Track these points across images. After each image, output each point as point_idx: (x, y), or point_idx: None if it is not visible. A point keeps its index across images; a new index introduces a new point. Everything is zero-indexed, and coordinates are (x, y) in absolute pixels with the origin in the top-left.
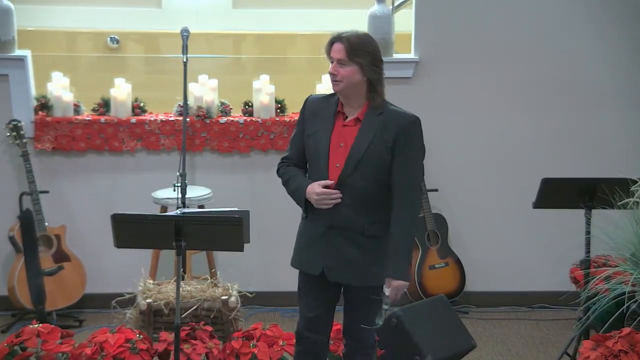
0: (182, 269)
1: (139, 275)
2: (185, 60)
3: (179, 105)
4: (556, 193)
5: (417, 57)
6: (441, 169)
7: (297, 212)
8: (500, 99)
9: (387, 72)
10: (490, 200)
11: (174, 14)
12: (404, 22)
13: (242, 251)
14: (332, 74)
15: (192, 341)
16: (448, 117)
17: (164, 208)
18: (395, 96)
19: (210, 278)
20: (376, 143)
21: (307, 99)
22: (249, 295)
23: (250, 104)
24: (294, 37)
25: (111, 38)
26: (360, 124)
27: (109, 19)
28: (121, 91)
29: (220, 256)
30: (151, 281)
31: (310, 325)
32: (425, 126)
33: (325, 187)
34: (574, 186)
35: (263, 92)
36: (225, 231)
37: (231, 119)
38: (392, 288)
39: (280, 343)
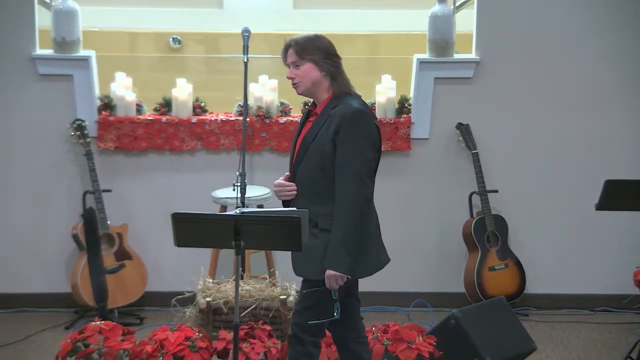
0: (241, 268)
1: (198, 274)
2: (245, 60)
3: (239, 105)
4: (619, 195)
5: (477, 57)
6: (501, 170)
7: None
8: (561, 99)
9: (448, 72)
10: (551, 201)
11: (234, 14)
12: (465, 22)
13: (301, 251)
14: (290, 78)
15: (251, 340)
16: (508, 118)
17: (224, 207)
18: (455, 96)
19: (269, 277)
20: (321, 135)
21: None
22: None
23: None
24: (352, 37)
25: (173, 38)
26: (316, 117)
27: (171, 20)
28: (182, 91)
29: (279, 256)
30: (210, 280)
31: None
32: (485, 126)
33: (287, 179)
34: (637, 187)
35: None
36: (284, 231)
37: (291, 118)
38: (325, 278)
39: None
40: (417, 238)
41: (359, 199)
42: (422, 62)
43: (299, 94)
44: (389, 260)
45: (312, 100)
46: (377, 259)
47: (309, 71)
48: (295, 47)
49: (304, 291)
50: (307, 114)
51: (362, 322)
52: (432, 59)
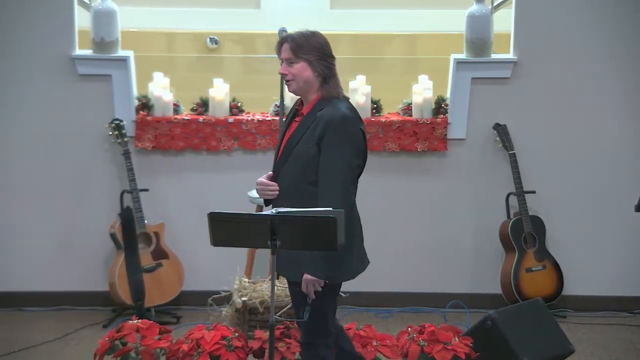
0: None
1: (234, 274)
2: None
3: (276, 105)
4: None
5: (515, 57)
6: (539, 171)
7: (390, 213)
8: (599, 100)
9: (485, 73)
10: (589, 202)
11: (271, 14)
12: (503, 22)
13: (336, 251)
14: (283, 74)
15: (287, 340)
16: (546, 118)
17: (260, 207)
18: (492, 96)
19: None
20: (306, 138)
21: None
22: (343, 295)
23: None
24: (390, 37)
25: (210, 39)
26: (302, 119)
27: (209, 20)
28: (219, 91)
29: None
30: (246, 280)
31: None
32: (522, 126)
33: (270, 179)
34: None
35: (359, 92)
36: (320, 231)
37: None
38: (302, 281)
39: (374, 343)
40: (453, 239)
41: (341, 206)
42: (459, 62)
43: (290, 92)
44: (369, 262)
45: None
46: (357, 265)
47: (302, 71)
48: (291, 43)
49: (291, 290)
50: (294, 113)
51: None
52: (470, 59)
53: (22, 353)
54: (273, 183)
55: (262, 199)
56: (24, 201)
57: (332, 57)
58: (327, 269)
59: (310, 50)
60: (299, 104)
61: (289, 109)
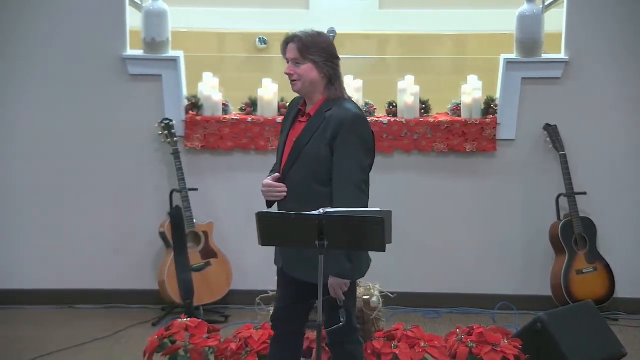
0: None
1: None
2: None
3: None
4: None
5: (567, 57)
6: (590, 172)
7: (438, 213)
8: None
9: (536, 73)
10: None
11: (321, 14)
12: (554, 21)
13: (384, 251)
14: (288, 74)
15: None
16: (597, 118)
17: None
18: (543, 97)
19: None
20: (316, 138)
21: (291, 100)
22: (391, 295)
23: (394, 104)
24: (439, 37)
25: (260, 39)
26: (309, 119)
27: (258, 20)
28: (268, 91)
29: None
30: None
31: (279, 314)
32: (573, 127)
33: (277, 180)
34: None
35: (408, 92)
36: (367, 231)
37: (375, 119)
38: (329, 285)
39: (422, 344)
40: (502, 240)
41: (353, 206)
42: (509, 63)
43: (295, 91)
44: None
45: (296, 97)
46: (367, 261)
47: (309, 71)
48: (298, 44)
49: (324, 298)
50: (296, 113)
51: (356, 321)
52: (520, 59)
53: (73, 350)
54: (280, 184)
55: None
56: (75, 200)
57: (338, 58)
58: (350, 268)
59: (317, 52)
60: (302, 104)
61: (290, 107)
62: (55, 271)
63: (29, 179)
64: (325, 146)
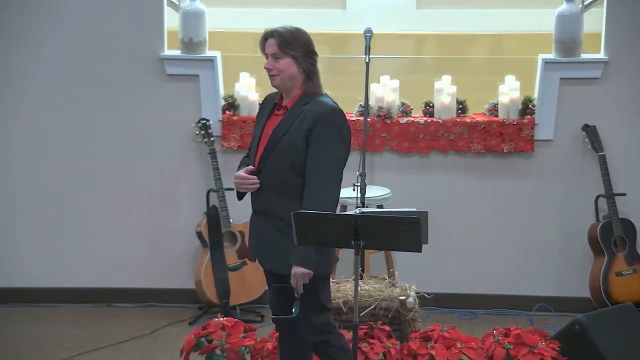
0: (360, 268)
1: None
2: (367, 60)
3: (360, 105)
4: None
5: (606, 57)
6: (629, 173)
7: (475, 214)
8: None
9: (574, 73)
10: None
11: (357, 14)
12: (593, 21)
13: (420, 252)
14: (267, 69)
15: (370, 340)
16: (637, 119)
17: (344, 207)
18: (582, 97)
19: (388, 278)
20: (293, 131)
21: (265, 96)
22: (427, 296)
23: (431, 104)
24: (476, 37)
25: None
26: (286, 112)
27: (294, 20)
28: None
29: (399, 256)
30: (330, 280)
31: (274, 309)
32: (612, 128)
33: (251, 173)
34: None
35: (444, 92)
36: (404, 231)
37: (412, 119)
38: (292, 275)
39: (459, 346)
40: (540, 241)
41: (328, 200)
42: (547, 63)
43: (273, 86)
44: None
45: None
46: (332, 256)
47: (288, 66)
48: (278, 39)
49: (274, 285)
50: (272, 107)
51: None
52: (558, 59)
53: (111, 348)
54: (253, 177)
55: (346, 199)
56: (113, 200)
57: (316, 54)
58: (315, 259)
59: (296, 47)
60: (278, 98)
61: (265, 102)
62: (94, 270)
63: (68, 179)
64: (301, 138)
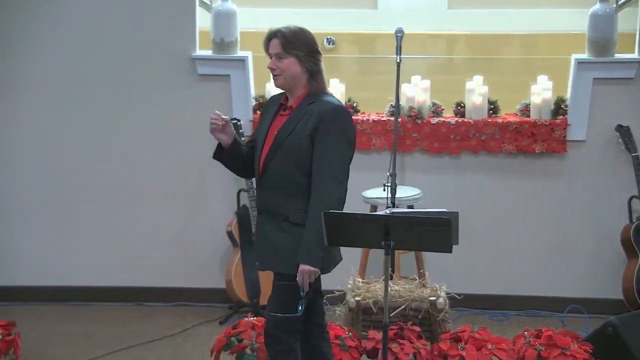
0: (390, 269)
1: (348, 274)
2: (398, 60)
3: (391, 105)
4: None
5: None
6: None
7: (507, 214)
8: None
9: (608, 73)
10: None
11: (389, 14)
12: (628, 20)
13: (451, 252)
14: (271, 69)
15: (400, 340)
16: None
17: (374, 207)
18: (615, 97)
19: (419, 278)
20: (298, 130)
21: (270, 97)
22: (457, 297)
23: (462, 104)
24: (508, 37)
25: (327, 39)
26: (291, 112)
27: (326, 21)
28: (335, 91)
29: (429, 257)
30: (360, 280)
31: (272, 306)
32: None
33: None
34: None
35: (476, 92)
36: (434, 232)
37: (442, 119)
38: (298, 272)
39: (489, 347)
40: (572, 242)
41: (334, 199)
42: (580, 63)
43: (277, 86)
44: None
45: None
46: (337, 255)
47: (291, 66)
48: (281, 39)
49: (276, 283)
50: (277, 107)
51: (325, 317)
52: (592, 59)
53: (143, 346)
54: (219, 114)
55: (376, 199)
56: (144, 199)
57: (319, 54)
58: (322, 258)
59: (299, 46)
60: (283, 99)
61: (269, 103)
62: (125, 269)
63: (99, 178)
64: (306, 137)
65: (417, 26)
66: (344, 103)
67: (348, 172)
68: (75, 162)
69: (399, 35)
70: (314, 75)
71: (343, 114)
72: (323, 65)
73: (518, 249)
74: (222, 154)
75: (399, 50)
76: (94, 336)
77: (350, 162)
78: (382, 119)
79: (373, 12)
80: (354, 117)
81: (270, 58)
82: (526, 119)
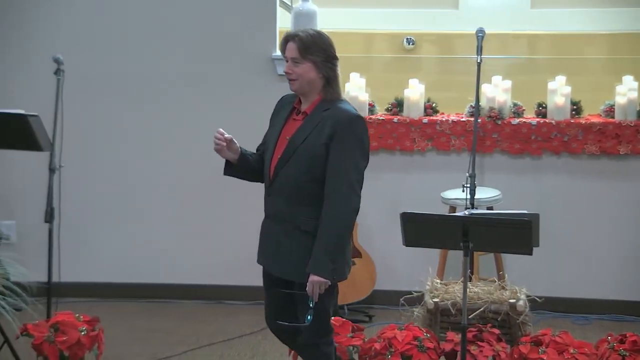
0: (469, 270)
1: (426, 274)
2: (479, 61)
3: (471, 106)
4: None
5: None
6: None
7: (590, 217)
8: None
9: None
10: None
11: (470, 14)
12: None
13: (531, 254)
14: (287, 73)
15: (479, 343)
16: None
17: (453, 208)
18: None
19: (498, 280)
20: (312, 137)
21: (281, 97)
22: (538, 299)
23: (544, 105)
24: (592, 37)
25: (407, 39)
26: (305, 117)
27: (406, 21)
28: (414, 91)
29: (509, 258)
30: (438, 281)
31: (269, 314)
32: None
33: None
34: None
35: (558, 93)
36: (514, 234)
37: (523, 120)
38: (309, 283)
39: (571, 351)
40: None
41: (349, 209)
42: None
43: (292, 91)
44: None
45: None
46: (348, 263)
47: (308, 71)
48: (298, 43)
49: (285, 291)
50: (290, 110)
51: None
52: None
53: (222, 344)
54: (222, 133)
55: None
56: (223, 199)
57: (336, 59)
58: (332, 269)
59: (316, 52)
60: (297, 102)
61: (281, 104)
62: (206, 267)
63: (181, 179)
64: (321, 145)
65: (498, 26)
66: (423, 104)
67: (362, 181)
68: (158, 163)
69: (480, 35)
70: (330, 82)
71: (359, 122)
72: (339, 70)
73: (601, 252)
74: (232, 170)
75: (479, 51)
76: (174, 333)
77: (364, 170)
78: (461, 119)
79: (454, 11)
80: (432, 118)
81: (287, 61)
82: (610, 120)
